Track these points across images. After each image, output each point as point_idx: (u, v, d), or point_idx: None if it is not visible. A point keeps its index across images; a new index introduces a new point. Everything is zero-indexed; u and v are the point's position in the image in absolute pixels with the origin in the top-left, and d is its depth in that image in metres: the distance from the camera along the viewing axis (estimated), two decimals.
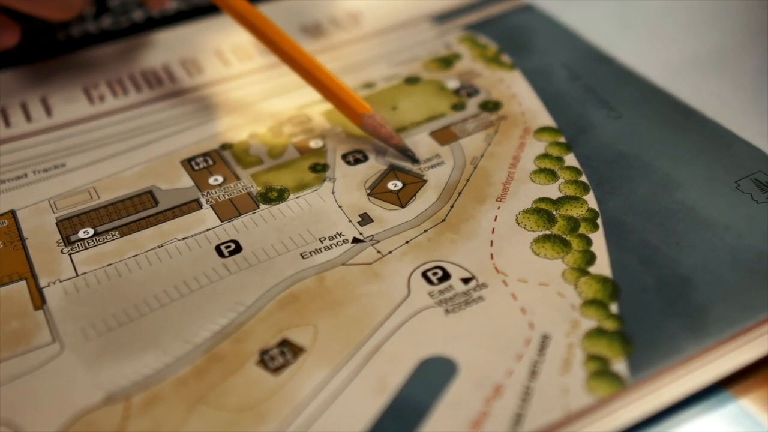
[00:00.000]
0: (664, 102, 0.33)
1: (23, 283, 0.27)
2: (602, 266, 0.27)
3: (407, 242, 0.28)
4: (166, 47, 0.38)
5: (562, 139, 0.32)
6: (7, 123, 0.34)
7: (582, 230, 0.28)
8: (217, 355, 0.25)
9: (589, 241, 0.27)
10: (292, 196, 0.30)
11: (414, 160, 0.31)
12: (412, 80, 0.35)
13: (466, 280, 0.26)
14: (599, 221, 0.28)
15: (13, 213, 0.30)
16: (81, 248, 0.28)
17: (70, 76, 0.37)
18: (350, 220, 0.29)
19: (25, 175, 0.32)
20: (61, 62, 0.37)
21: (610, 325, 0.25)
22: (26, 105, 0.35)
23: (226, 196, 0.30)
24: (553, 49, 0.37)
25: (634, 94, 0.34)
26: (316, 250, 0.28)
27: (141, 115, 0.34)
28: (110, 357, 0.25)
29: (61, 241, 0.29)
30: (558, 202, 0.29)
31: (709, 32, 0.37)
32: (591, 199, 0.29)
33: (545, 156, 0.31)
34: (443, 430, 0.22)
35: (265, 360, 0.25)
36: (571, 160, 0.31)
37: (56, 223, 0.29)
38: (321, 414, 0.23)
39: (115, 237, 0.29)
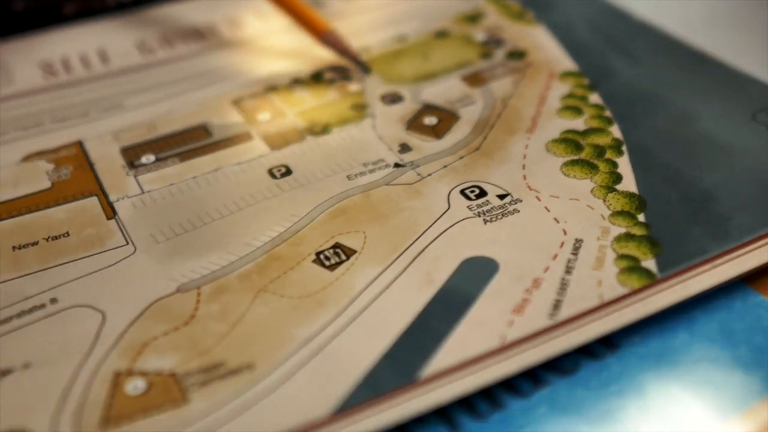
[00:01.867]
0: (680, 50, 0.36)
1: (94, 198, 0.30)
2: (628, 184, 0.29)
3: (445, 167, 0.30)
4: (207, 8, 0.41)
5: (586, 82, 0.34)
6: (68, 70, 0.36)
7: (608, 156, 0.30)
8: (276, 254, 0.27)
9: (615, 165, 0.30)
10: (335, 129, 0.32)
11: (366, 69, 0.35)
12: (441, 34, 0.38)
13: (501, 196, 0.29)
14: (624, 148, 0.31)
15: (80, 143, 0.32)
16: (144, 171, 0.31)
17: (123, 33, 0.39)
18: (391, 149, 0.31)
19: (88, 113, 0.34)
20: (114, 21, 0.40)
21: (638, 230, 0.27)
22: (86, 56, 0.37)
23: (275, 130, 0.32)
24: (574, 5, 0.40)
25: (652, 43, 0.37)
26: (361, 173, 0.30)
27: (190, 65, 0.37)
28: (179, 256, 0.27)
29: (126, 165, 0.31)
30: (584, 133, 0.31)
31: None
32: (615, 131, 0.31)
33: (570, 95, 0.33)
34: (487, 315, 0.25)
35: (320, 259, 0.27)
36: (594, 99, 0.33)
37: (120, 151, 0.32)
38: (374, 301, 0.25)
39: (174, 162, 0.31)
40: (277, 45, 0.38)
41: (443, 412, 0.23)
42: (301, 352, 0.24)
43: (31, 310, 0.25)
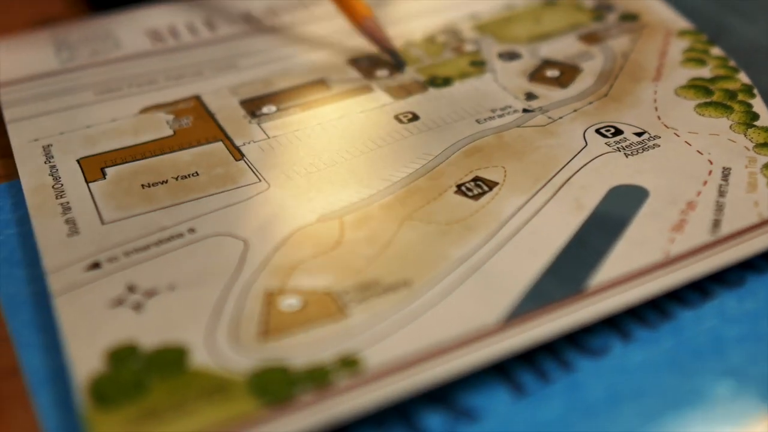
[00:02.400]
0: None
1: (219, 143, 0.29)
2: (766, 121, 0.28)
3: (575, 111, 0.30)
4: None
5: (704, 38, 0.34)
6: (176, 37, 0.36)
7: (740, 98, 0.30)
8: (415, 187, 0.26)
9: (749, 105, 0.29)
10: (457, 82, 0.32)
11: (400, 64, 0.33)
12: (550, 2, 0.38)
13: (638, 134, 0.28)
14: (755, 92, 0.30)
15: (197, 97, 0.32)
16: (267, 120, 0.30)
17: (227, 7, 0.39)
18: (517, 97, 0.31)
19: (202, 72, 0.34)
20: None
21: None
22: (192, 25, 0.37)
23: (395, 83, 0.32)
24: None
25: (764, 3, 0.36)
26: (490, 117, 0.30)
27: (297, 33, 0.37)
28: (315, 191, 0.27)
29: (247, 115, 0.31)
30: (712, 80, 0.31)
31: None
32: (743, 77, 0.31)
33: (691, 49, 0.33)
34: (646, 234, 0.24)
35: (462, 190, 0.26)
36: (716, 51, 0.33)
37: (240, 103, 0.31)
38: (526, 224, 0.25)
39: (296, 112, 0.31)
40: (389, 12, 0.38)
41: (612, 322, 0.22)
42: (459, 270, 0.23)
43: (169, 239, 0.25)
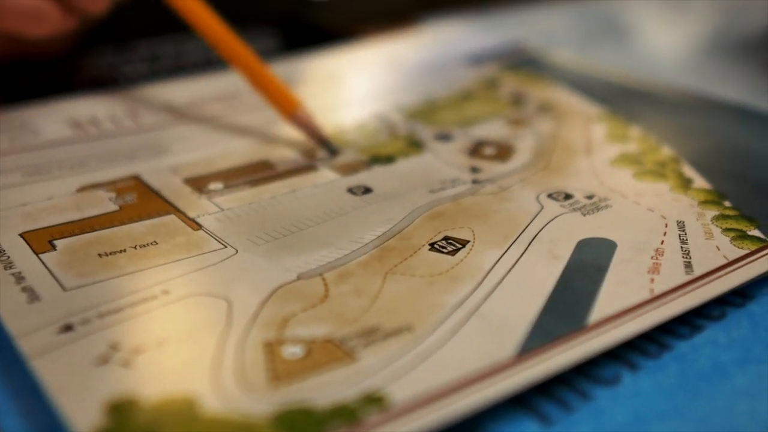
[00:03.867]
0: (693, 97, 0.39)
1: (172, 216, 0.28)
2: (701, 184, 0.30)
3: (521, 180, 0.31)
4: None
5: (621, 119, 0.36)
6: (97, 126, 0.35)
7: (671, 167, 0.32)
8: (389, 247, 0.27)
9: (681, 172, 0.31)
10: (400, 159, 0.33)
11: (332, 151, 0.34)
12: (467, 96, 0.40)
13: (588, 197, 0.30)
14: (682, 161, 0.32)
15: (136, 176, 0.31)
16: (216, 196, 0.30)
17: (150, 99, 0.38)
18: (462, 171, 0.32)
19: (135, 156, 0.33)
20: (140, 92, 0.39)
21: (730, 212, 0.28)
22: (114, 115, 0.37)
23: (339, 162, 0.32)
24: (581, 70, 0.42)
25: (672, 92, 0.39)
26: (442, 188, 0.30)
27: (227, 122, 0.36)
28: (287, 253, 0.26)
29: (195, 191, 0.30)
30: (640, 154, 0.33)
31: None
32: (666, 150, 0.33)
33: (612, 130, 0.35)
34: (627, 276, 0.25)
35: (436, 248, 0.27)
36: (635, 131, 0.35)
37: (184, 181, 0.31)
38: (509, 272, 0.25)
39: (245, 189, 0.30)
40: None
41: (616, 355, 0.23)
42: (456, 314, 0.23)
43: (144, 301, 0.24)
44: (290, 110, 0.34)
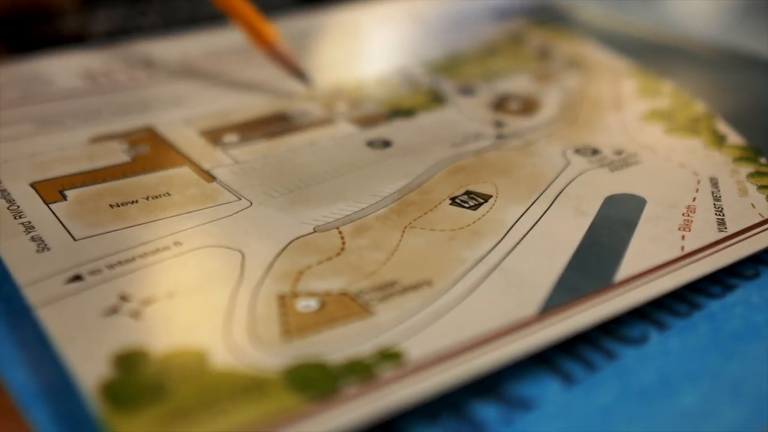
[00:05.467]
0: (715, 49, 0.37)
1: (185, 167, 0.27)
2: (735, 140, 0.29)
3: (548, 136, 0.30)
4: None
5: (652, 74, 0.35)
6: (111, 77, 0.34)
7: (704, 123, 0.30)
8: (408, 200, 0.26)
9: (715, 129, 0.30)
10: (421, 113, 0.32)
11: (308, 82, 0.34)
12: (492, 51, 0.38)
13: (617, 152, 0.28)
14: (717, 117, 0.31)
15: (150, 128, 0.30)
16: (232, 148, 0.29)
17: (165, 50, 0.38)
18: (486, 125, 0.31)
19: (149, 107, 0.32)
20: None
21: (766, 169, 0.27)
22: (128, 67, 0.36)
23: (358, 114, 0.31)
24: (610, 23, 0.41)
25: (700, 44, 0.38)
26: (465, 142, 0.29)
27: (241, 75, 0.35)
28: (303, 206, 0.25)
29: (209, 143, 0.29)
30: (672, 110, 0.32)
31: None
32: (700, 106, 0.32)
33: (643, 85, 0.34)
34: (657, 233, 0.24)
35: (458, 202, 0.25)
36: (667, 86, 0.34)
37: (198, 133, 0.30)
38: (533, 227, 0.24)
39: (262, 141, 0.29)
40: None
41: (644, 315, 0.22)
42: (478, 269, 0.22)
43: (155, 252, 0.23)
44: (268, 42, 0.34)
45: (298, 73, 0.33)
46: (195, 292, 0.21)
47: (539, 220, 0.24)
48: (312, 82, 0.33)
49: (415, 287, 0.21)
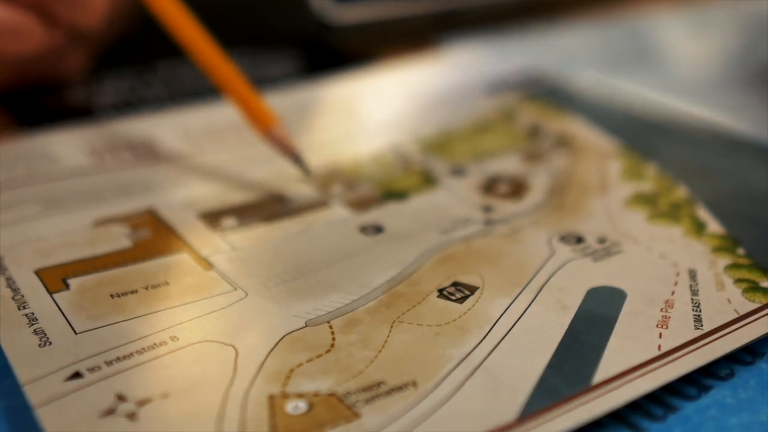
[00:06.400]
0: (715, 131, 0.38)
1: (185, 254, 0.29)
2: (715, 228, 0.30)
3: (534, 222, 0.31)
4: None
5: (637, 156, 0.36)
6: (115, 155, 0.36)
7: (685, 210, 0.32)
8: (397, 292, 0.27)
9: (695, 216, 0.31)
10: (413, 196, 0.33)
11: (307, 172, 0.33)
12: (483, 127, 0.40)
13: (600, 240, 0.29)
14: (698, 203, 0.32)
15: (151, 211, 0.31)
16: (230, 233, 0.30)
17: (167, 125, 0.39)
18: (475, 210, 0.32)
19: (151, 188, 0.33)
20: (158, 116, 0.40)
21: (743, 261, 0.28)
22: (132, 144, 0.37)
23: (352, 197, 0.32)
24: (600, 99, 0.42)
25: (689, 126, 0.39)
26: (453, 228, 0.30)
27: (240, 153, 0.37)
28: (296, 298, 0.26)
29: (208, 228, 0.30)
30: (654, 194, 0.33)
31: None
32: (682, 191, 0.33)
33: (628, 167, 0.35)
34: (635, 331, 0.25)
35: (445, 294, 0.27)
36: (651, 168, 0.35)
37: (198, 216, 0.31)
38: (516, 323, 0.25)
39: (259, 225, 0.31)
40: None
41: (620, 417, 0.23)
42: (462, 368, 0.23)
43: (153, 347, 0.24)
44: (266, 126, 0.34)
45: (294, 159, 0.33)
46: (189, 393, 0.22)
47: (523, 314, 0.25)
48: (309, 172, 0.33)
49: (400, 388, 0.22)
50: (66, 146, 0.36)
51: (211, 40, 0.35)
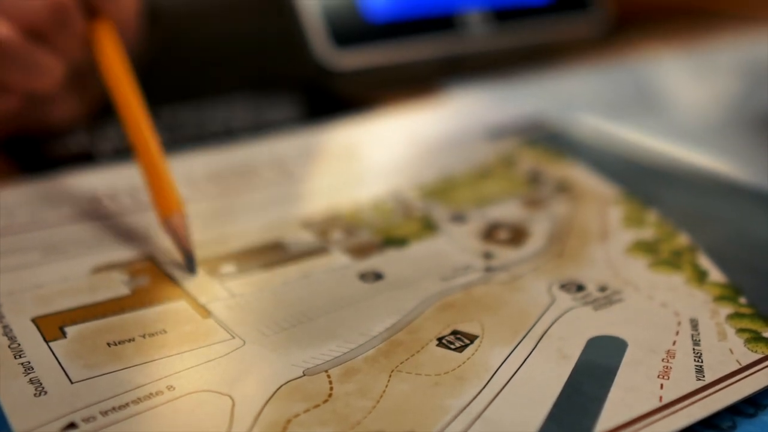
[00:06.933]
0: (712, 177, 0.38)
1: (183, 302, 0.28)
2: (717, 277, 0.30)
3: (534, 269, 0.31)
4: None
5: (638, 202, 0.36)
6: (115, 201, 0.36)
7: (686, 257, 0.31)
8: (396, 341, 0.26)
9: (697, 263, 0.31)
10: (414, 243, 0.33)
11: (192, 268, 0.31)
12: (484, 174, 0.40)
13: (601, 289, 0.29)
14: (699, 251, 0.32)
15: (151, 257, 0.31)
16: (229, 280, 0.30)
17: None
18: (475, 257, 0.32)
19: (151, 234, 0.33)
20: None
21: (745, 310, 0.28)
22: (132, 189, 0.37)
23: (352, 244, 0.32)
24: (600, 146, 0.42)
25: (689, 172, 0.39)
26: (453, 276, 0.30)
27: (244, 198, 0.37)
28: (295, 346, 0.26)
29: (207, 275, 0.30)
30: (655, 242, 0.33)
31: None
32: (684, 238, 0.33)
33: (628, 214, 0.35)
34: (636, 381, 0.24)
35: (444, 343, 0.26)
36: (652, 215, 0.35)
37: (198, 263, 0.31)
38: (516, 373, 0.25)
39: (258, 272, 0.30)
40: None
41: None
42: (460, 419, 0.23)
43: (148, 397, 0.24)
44: (166, 212, 0.31)
45: (185, 254, 0.31)
46: None
47: (523, 363, 0.25)
48: (194, 272, 0.30)
49: None
50: (67, 191, 0.36)
51: (142, 106, 0.34)
